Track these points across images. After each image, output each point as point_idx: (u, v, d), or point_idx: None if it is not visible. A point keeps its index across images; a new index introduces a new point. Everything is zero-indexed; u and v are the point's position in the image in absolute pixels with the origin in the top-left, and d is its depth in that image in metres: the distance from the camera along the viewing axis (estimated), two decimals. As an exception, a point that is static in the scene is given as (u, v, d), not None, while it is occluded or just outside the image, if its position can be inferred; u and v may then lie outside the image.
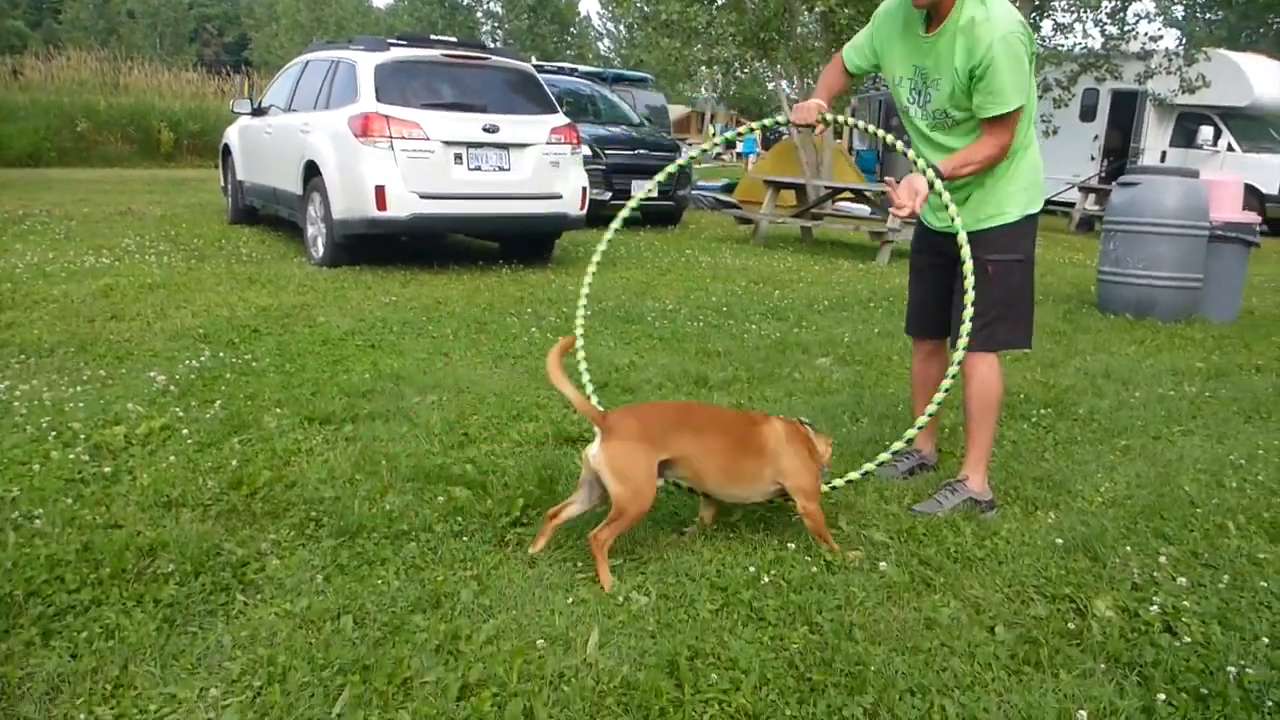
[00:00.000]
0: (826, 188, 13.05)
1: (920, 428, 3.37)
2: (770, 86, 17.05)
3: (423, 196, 7.60)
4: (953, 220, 3.21)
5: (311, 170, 8.11)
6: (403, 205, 7.54)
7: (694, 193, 15.29)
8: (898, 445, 3.25)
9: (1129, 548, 3.13)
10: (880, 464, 3.30)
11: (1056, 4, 16.18)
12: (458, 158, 7.78)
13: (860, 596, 2.74)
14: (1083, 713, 2.22)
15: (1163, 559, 3.06)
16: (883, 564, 2.93)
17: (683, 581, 2.79)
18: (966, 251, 3.19)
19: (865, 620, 2.62)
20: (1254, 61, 17.92)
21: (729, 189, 17.96)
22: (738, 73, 33.14)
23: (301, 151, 8.28)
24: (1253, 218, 7.87)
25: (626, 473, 2.75)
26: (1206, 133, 17.23)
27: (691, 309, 6.91)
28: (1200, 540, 3.24)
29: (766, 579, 2.80)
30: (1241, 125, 17.33)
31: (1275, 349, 6.49)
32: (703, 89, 44.63)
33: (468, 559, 2.88)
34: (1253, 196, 14.91)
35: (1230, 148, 16.90)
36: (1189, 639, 2.56)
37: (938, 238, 3.57)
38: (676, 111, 36.96)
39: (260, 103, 10.09)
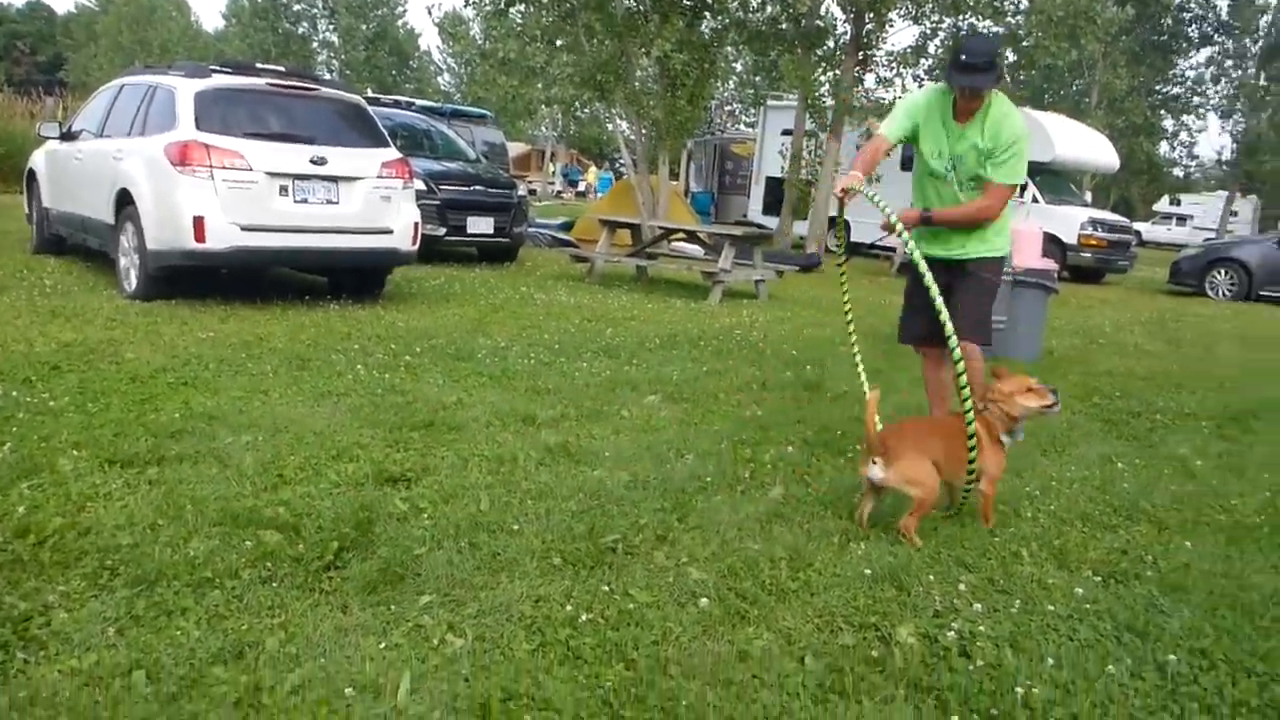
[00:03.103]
0: (661, 228, 13.29)
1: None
2: (610, 127, 17.34)
3: (244, 229, 7.33)
4: (912, 252, 3.99)
5: (125, 199, 7.72)
6: (223, 237, 7.25)
7: (531, 230, 15.30)
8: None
9: (932, 576, 3.28)
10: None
11: (879, 59, 17.04)
12: (283, 189, 7.55)
13: (677, 631, 2.78)
14: (882, 739, 2.30)
15: (962, 586, 3.22)
16: (703, 600, 2.98)
17: (500, 622, 2.76)
18: (918, 276, 3.97)
19: (681, 655, 2.65)
20: (1055, 121, 19.31)
21: (566, 227, 18.06)
22: (577, 112, 33.51)
23: (114, 179, 7.88)
24: (1051, 265, 8.45)
25: (918, 479, 3.59)
26: (1013, 185, 18.41)
27: (523, 346, 6.90)
28: (997, 568, 3.43)
29: (585, 617, 2.80)
30: (1046, 179, 18.61)
31: (1072, 387, 6.95)
32: (543, 127, 44.89)
33: (275, 606, 2.77)
34: (1055, 245, 16.02)
35: (1035, 199, 18.11)
36: (982, 662, 2.70)
37: (938, 265, 4.35)
38: (516, 149, 37.03)
39: (70, 127, 9.56)
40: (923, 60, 16.82)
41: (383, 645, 2.58)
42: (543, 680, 2.46)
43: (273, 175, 7.47)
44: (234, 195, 7.30)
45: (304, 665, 2.46)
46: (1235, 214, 40.85)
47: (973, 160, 4.41)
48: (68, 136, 9.39)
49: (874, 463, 3.65)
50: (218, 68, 8.04)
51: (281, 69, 8.58)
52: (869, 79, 17.32)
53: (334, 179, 7.80)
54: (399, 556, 3.10)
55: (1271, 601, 3.24)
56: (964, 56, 4.27)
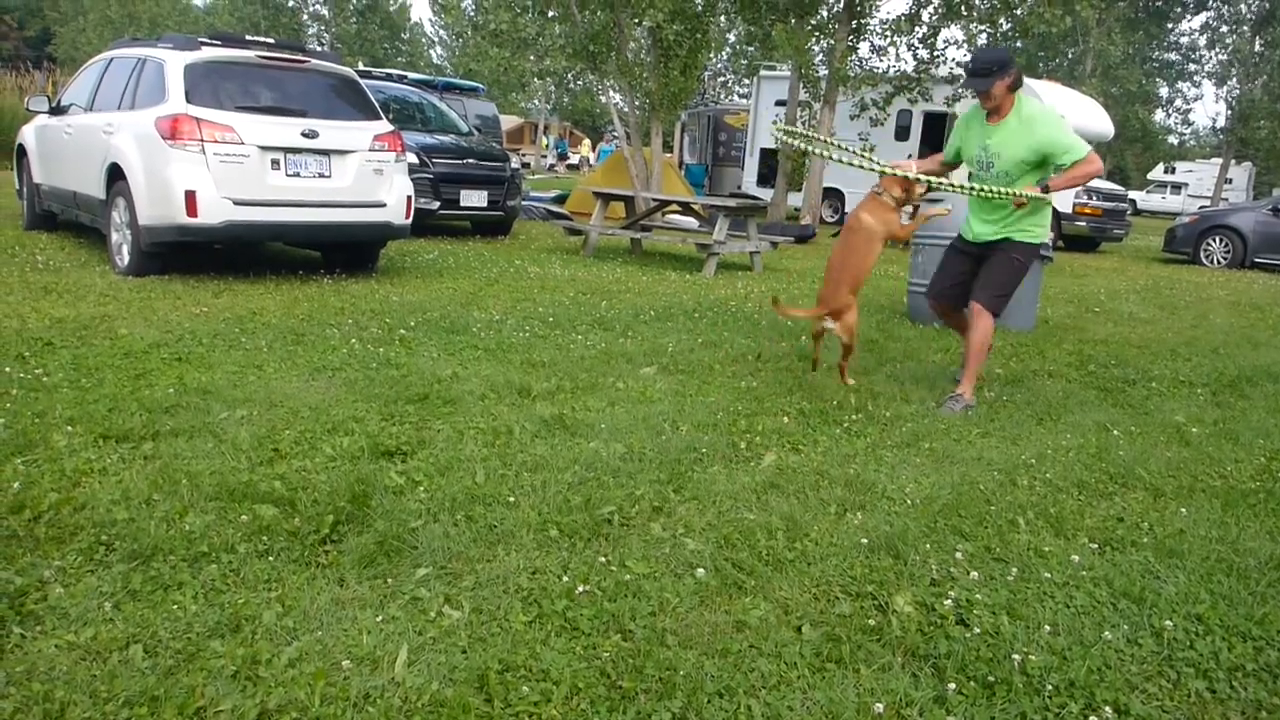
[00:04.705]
0: (655, 200, 13.25)
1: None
2: (603, 99, 17.20)
3: (237, 203, 7.30)
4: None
5: (115, 174, 7.66)
6: (215, 212, 7.21)
7: (525, 203, 15.23)
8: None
9: (929, 545, 3.29)
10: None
11: (873, 28, 16.90)
12: (275, 163, 7.50)
13: (674, 602, 2.78)
14: (879, 705, 2.31)
15: (959, 554, 3.22)
16: (699, 570, 2.98)
17: (497, 594, 2.76)
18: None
19: (678, 625, 2.65)
20: (1049, 89, 19.21)
21: (560, 200, 17.99)
22: (570, 84, 33.32)
23: (105, 154, 7.82)
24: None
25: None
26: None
27: (518, 319, 6.88)
28: (993, 536, 3.44)
29: (582, 589, 2.80)
30: (1039, 147, 18.56)
31: (1067, 356, 6.96)
32: (536, 100, 44.62)
33: (272, 579, 2.77)
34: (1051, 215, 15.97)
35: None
36: (979, 630, 2.70)
37: (980, 245, 5.36)
38: (509, 122, 36.83)
39: (59, 101, 9.48)
40: (917, 28, 16.66)
41: (380, 618, 2.59)
42: (540, 651, 2.46)
43: (265, 149, 7.42)
44: (226, 169, 7.25)
45: (301, 638, 2.46)
46: (1230, 181, 40.77)
47: (1009, 156, 5.07)
48: (57, 111, 9.32)
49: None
50: (207, 40, 7.96)
51: (271, 41, 8.50)
52: (863, 48, 17.20)
53: (326, 152, 7.75)
54: (395, 530, 3.10)
55: (1267, 566, 3.25)
56: (969, 65, 5.24)
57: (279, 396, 4.56)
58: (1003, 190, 4.99)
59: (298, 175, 7.62)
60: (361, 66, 18.55)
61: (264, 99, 7.81)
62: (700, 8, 16.12)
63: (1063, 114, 4.99)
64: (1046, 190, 5.05)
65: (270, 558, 2.90)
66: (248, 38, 8.43)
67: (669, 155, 21.56)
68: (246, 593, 2.68)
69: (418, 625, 2.56)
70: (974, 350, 5.28)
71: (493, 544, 3.10)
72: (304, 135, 7.61)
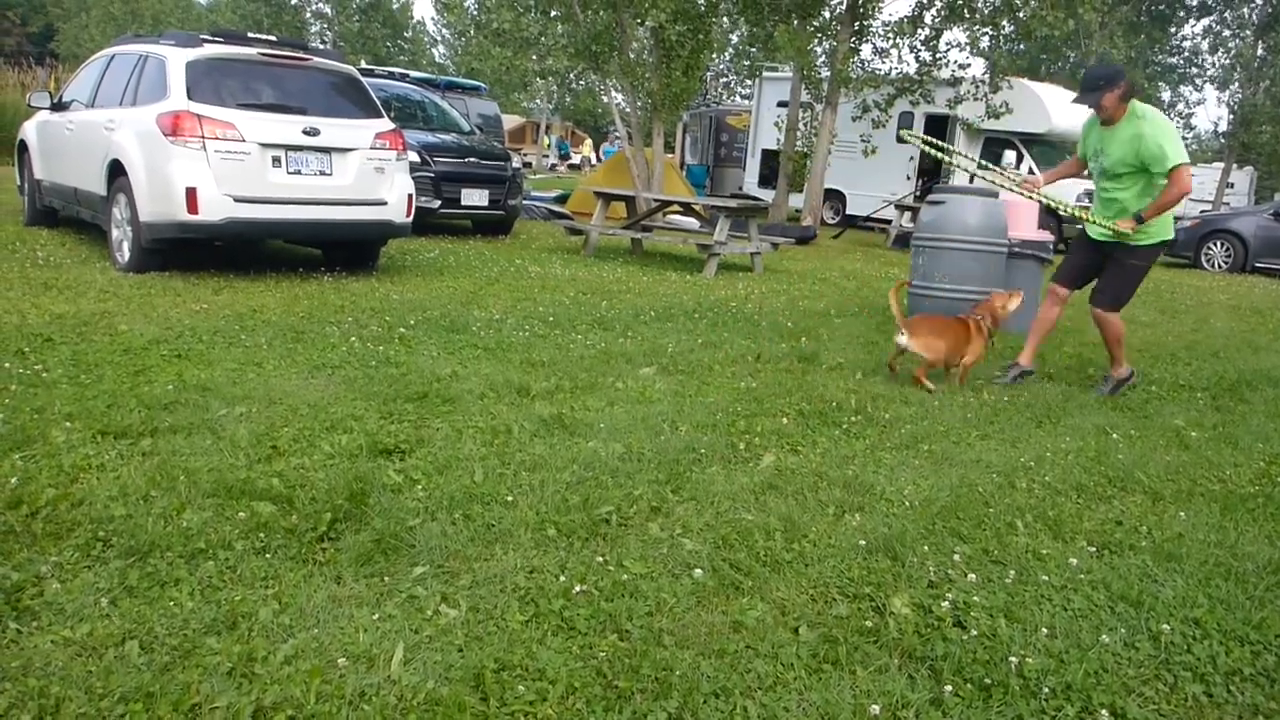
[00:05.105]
0: (657, 200, 13.25)
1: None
2: (605, 100, 17.19)
3: (238, 200, 7.29)
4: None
5: (116, 170, 7.66)
6: (216, 209, 7.21)
7: (526, 203, 15.23)
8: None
9: (927, 547, 3.29)
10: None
11: (875, 29, 16.91)
12: (276, 161, 7.50)
13: (671, 602, 2.78)
14: (876, 707, 2.31)
15: (957, 557, 3.22)
16: (697, 570, 2.98)
17: (494, 593, 2.76)
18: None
19: (674, 625, 2.65)
20: (1051, 91, 19.23)
21: (562, 200, 17.98)
22: (572, 84, 33.31)
23: (106, 150, 7.82)
24: (1047, 236, 8.43)
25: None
26: (1010, 156, 18.36)
27: (518, 319, 6.88)
28: (991, 538, 3.43)
29: (579, 588, 2.80)
30: (1041, 150, 18.55)
31: (1066, 358, 6.96)
32: (538, 99, 44.60)
33: (269, 577, 2.77)
34: (1051, 217, 15.96)
35: (1031, 170, 18.04)
36: (976, 632, 2.70)
37: (1103, 244, 5.84)
38: (512, 121, 36.80)
39: (61, 97, 9.48)
40: (919, 30, 16.65)
41: (376, 616, 2.58)
42: (536, 651, 2.46)
43: (266, 146, 7.42)
44: (227, 166, 7.25)
45: (297, 635, 2.46)
46: (1232, 186, 40.73)
47: (1117, 155, 5.54)
48: (59, 107, 9.32)
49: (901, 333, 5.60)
50: (209, 37, 7.96)
51: (273, 39, 8.49)
52: (865, 49, 17.21)
53: (327, 150, 7.75)
54: (393, 528, 3.09)
55: (1265, 571, 3.25)
56: (1082, 82, 5.72)
57: (278, 394, 4.56)
58: (1101, 222, 5.65)
59: (299, 173, 7.62)
60: (364, 65, 18.55)
61: (265, 96, 7.80)
62: (703, 8, 16.12)
63: (1170, 125, 5.50)
64: (1140, 221, 5.52)
65: (267, 555, 2.89)
66: (250, 35, 8.42)
67: (670, 156, 21.54)
68: (243, 590, 2.68)
69: (414, 623, 2.56)
70: (1112, 344, 5.93)
71: (490, 543, 3.10)
72: (305, 133, 7.60)
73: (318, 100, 8.00)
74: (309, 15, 48.74)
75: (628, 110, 16.86)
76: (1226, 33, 39.79)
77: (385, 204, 8.12)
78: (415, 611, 2.62)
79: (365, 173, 7.96)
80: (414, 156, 10.07)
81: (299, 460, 3.71)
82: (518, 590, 2.78)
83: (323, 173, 7.75)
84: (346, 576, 2.79)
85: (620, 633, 2.59)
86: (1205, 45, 40.46)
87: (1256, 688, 2.55)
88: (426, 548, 3.00)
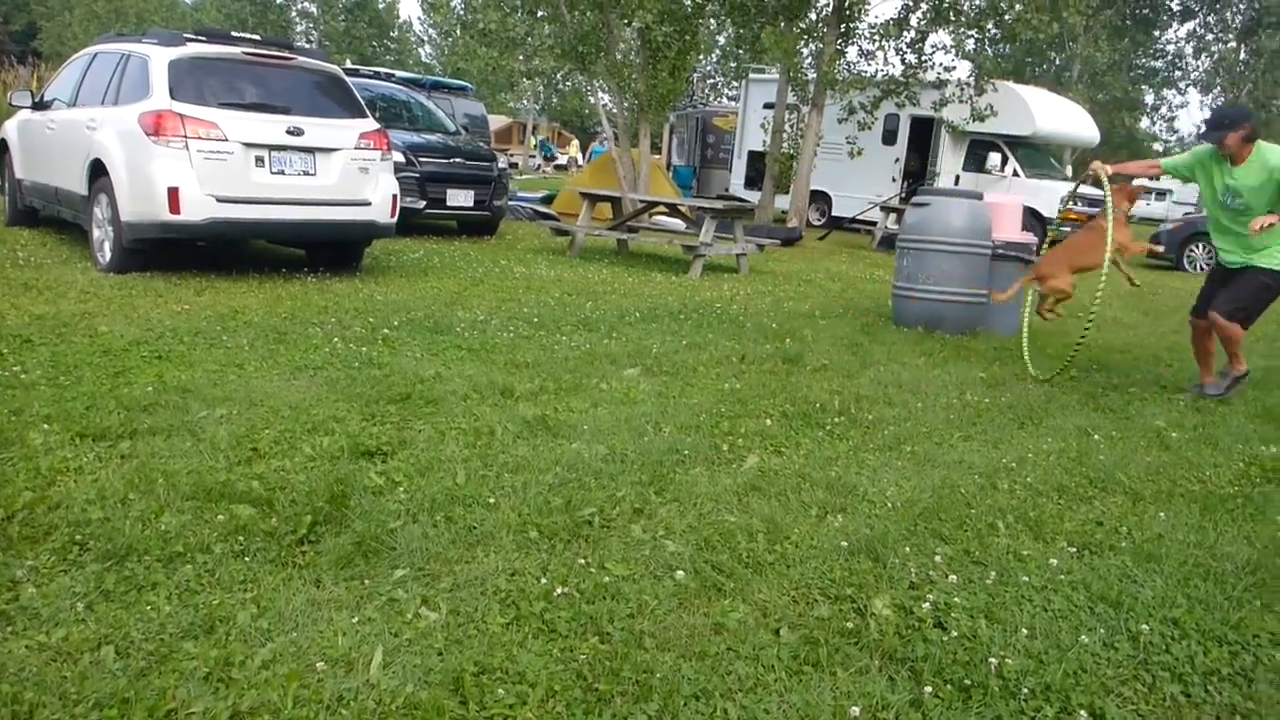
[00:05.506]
0: (642, 201, 13.24)
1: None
2: (591, 100, 17.12)
3: (220, 200, 7.25)
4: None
5: (98, 170, 7.61)
6: (198, 209, 7.16)
7: (512, 203, 15.20)
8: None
9: (908, 548, 3.29)
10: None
11: (862, 32, 16.94)
12: (259, 160, 7.46)
13: (652, 604, 2.77)
14: (856, 708, 2.31)
15: (938, 558, 3.23)
16: (679, 572, 2.97)
17: (475, 596, 2.75)
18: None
19: (656, 628, 2.64)
20: (1036, 94, 19.30)
21: (548, 200, 17.96)
22: (559, 85, 33.27)
23: (88, 149, 7.77)
24: (1030, 238, 8.46)
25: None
26: (995, 159, 18.42)
27: (503, 320, 6.86)
28: (973, 539, 3.44)
29: (560, 590, 2.79)
30: (1026, 153, 18.61)
31: (1050, 360, 6.98)
32: (524, 100, 44.52)
33: (248, 580, 2.75)
34: (1035, 219, 16.04)
35: (1015, 173, 18.12)
36: (957, 633, 2.71)
37: (1229, 270, 5.99)
38: (498, 122, 36.73)
39: (42, 96, 9.41)
40: (905, 33, 16.69)
41: (355, 619, 2.57)
42: (517, 653, 2.45)
43: (249, 146, 7.38)
44: (209, 166, 7.21)
45: (275, 639, 2.44)
46: (1214, 188, 40.97)
47: (1247, 193, 5.67)
48: (40, 106, 9.25)
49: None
50: (192, 36, 7.91)
51: (257, 38, 8.45)
52: (851, 52, 17.24)
53: (311, 150, 7.71)
54: (374, 530, 3.08)
55: (1244, 571, 3.27)
56: (1209, 119, 5.97)
57: (259, 395, 4.53)
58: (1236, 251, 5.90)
59: (282, 172, 7.58)
60: (349, 64, 18.49)
61: (249, 96, 7.76)
62: (690, 9, 16.12)
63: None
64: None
65: (246, 558, 2.87)
66: (233, 34, 8.38)
67: (657, 157, 21.55)
68: (221, 593, 2.66)
69: (394, 627, 2.55)
70: (1231, 347, 6.00)
71: (471, 545, 3.09)
72: (289, 132, 7.57)
73: (302, 100, 7.97)
74: (294, 14, 48.64)
75: (614, 111, 16.85)
76: (1210, 37, 40.06)
77: (369, 204, 8.09)
78: (395, 615, 2.61)
79: (349, 173, 7.93)
80: (399, 157, 10.04)
81: (279, 462, 3.69)
82: (499, 593, 2.77)
83: (306, 173, 7.71)
84: (326, 580, 2.78)
85: (601, 635, 2.58)
86: (1189, 49, 40.72)
87: (1234, 687, 2.56)
88: (407, 550, 2.99)
